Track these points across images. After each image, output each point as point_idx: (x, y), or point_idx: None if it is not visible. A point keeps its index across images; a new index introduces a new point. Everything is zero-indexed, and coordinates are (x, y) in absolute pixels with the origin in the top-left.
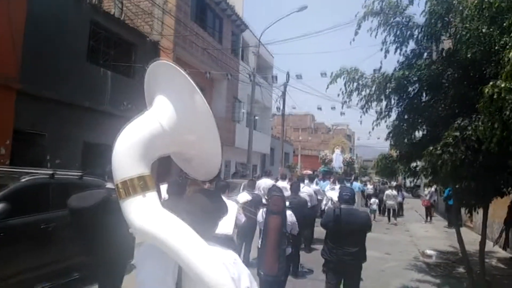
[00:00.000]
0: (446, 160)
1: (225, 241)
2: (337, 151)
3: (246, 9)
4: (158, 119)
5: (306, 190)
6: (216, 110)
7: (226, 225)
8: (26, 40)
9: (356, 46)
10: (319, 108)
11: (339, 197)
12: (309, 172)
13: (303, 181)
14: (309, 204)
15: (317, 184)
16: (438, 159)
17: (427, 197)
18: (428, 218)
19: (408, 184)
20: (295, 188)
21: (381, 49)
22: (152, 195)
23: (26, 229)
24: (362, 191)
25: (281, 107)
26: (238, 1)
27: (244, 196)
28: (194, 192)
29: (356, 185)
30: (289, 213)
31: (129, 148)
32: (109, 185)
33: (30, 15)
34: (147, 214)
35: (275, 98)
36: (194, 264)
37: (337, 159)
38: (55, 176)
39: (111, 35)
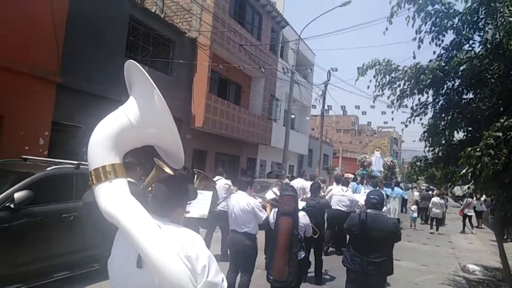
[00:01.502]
0: (487, 163)
1: (197, 222)
2: (377, 153)
3: (287, 4)
4: (126, 114)
5: (349, 194)
6: (253, 108)
7: (201, 210)
8: (67, 35)
9: (401, 42)
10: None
11: (366, 200)
12: (350, 175)
13: (347, 185)
14: (347, 209)
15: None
16: (477, 162)
17: (462, 207)
18: (465, 228)
19: (460, 193)
20: (314, 190)
21: (414, 39)
22: (119, 182)
23: (48, 217)
24: (404, 198)
25: (321, 107)
26: None
27: (272, 194)
28: (156, 179)
29: (398, 191)
30: (302, 214)
31: (101, 140)
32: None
33: (71, 10)
34: (112, 199)
35: (314, 97)
36: (146, 249)
37: (377, 162)
38: (81, 166)
39: (149, 31)
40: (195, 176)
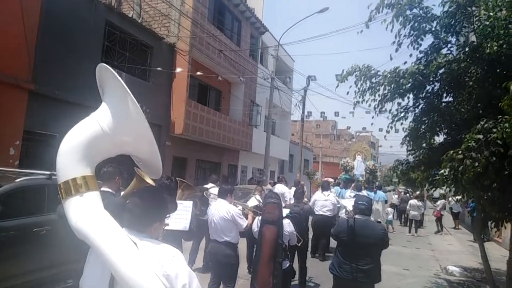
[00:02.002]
0: (468, 166)
1: (180, 235)
2: (358, 157)
3: (266, 11)
4: (98, 121)
5: (331, 198)
6: (233, 114)
7: (182, 222)
8: (39, 41)
9: (380, 47)
10: (336, 114)
11: (354, 206)
12: (330, 179)
13: (328, 189)
14: (330, 213)
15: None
16: (459, 164)
17: (438, 208)
18: (439, 228)
19: (437, 194)
20: (298, 195)
21: (393, 42)
22: (91, 195)
23: (18, 232)
24: (386, 201)
25: (301, 112)
26: (258, 3)
27: (254, 201)
28: (135, 190)
29: (381, 194)
30: (286, 222)
31: (71, 150)
32: (103, 188)
33: (43, 15)
34: (83, 214)
35: (294, 103)
36: (120, 270)
37: (359, 166)
38: (53, 177)
39: (126, 37)
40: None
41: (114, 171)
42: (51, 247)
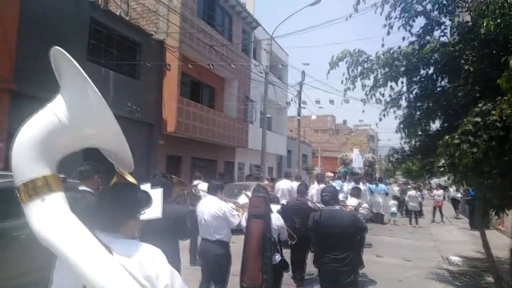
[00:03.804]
0: (465, 150)
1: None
2: (356, 150)
3: (258, 5)
4: (55, 112)
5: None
6: (228, 110)
7: (153, 210)
8: (20, 39)
9: (372, 37)
10: (331, 102)
11: (321, 199)
12: (330, 173)
13: (323, 182)
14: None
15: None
16: (455, 150)
17: (440, 198)
18: (434, 217)
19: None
20: (301, 190)
21: (384, 25)
22: (55, 198)
23: None
24: (387, 194)
25: (297, 107)
26: None
27: (245, 198)
28: (103, 189)
29: (382, 187)
30: (275, 216)
31: (26, 147)
32: (81, 187)
33: (24, 12)
34: (46, 221)
35: (290, 98)
36: (93, 280)
37: (357, 159)
38: None
39: (113, 34)
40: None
41: (91, 169)
42: (33, 251)
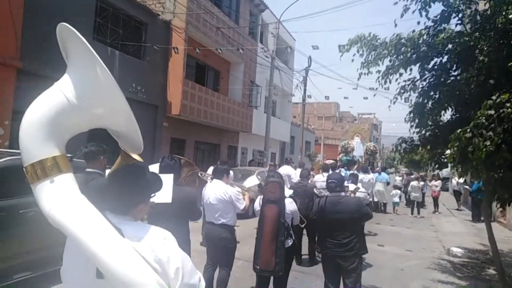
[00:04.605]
0: (478, 144)
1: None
2: (357, 139)
3: None
4: (63, 92)
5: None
6: (232, 94)
7: (164, 195)
8: (26, 17)
9: (385, 23)
10: (339, 88)
11: (326, 185)
12: (330, 161)
13: (328, 171)
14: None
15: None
16: (468, 143)
17: (438, 188)
18: (436, 208)
19: (445, 174)
20: (304, 174)
21: (395, 3)
22: (64, 178)
23: (2, 213)
24: (388, 183)
25: (302, 93)
26: None
27: (251, 181)
28: (115, 170)
29: (384, 176)
30: (289, 201)
31: (34, 127)
32: (88, 169)
33: None
34: (57, 201)
35: (295, 84)
36: (104, 261)
37: (358, 147)
38: None
39: (119, 13)
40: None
41: (97, 150)
42: (40, 229)
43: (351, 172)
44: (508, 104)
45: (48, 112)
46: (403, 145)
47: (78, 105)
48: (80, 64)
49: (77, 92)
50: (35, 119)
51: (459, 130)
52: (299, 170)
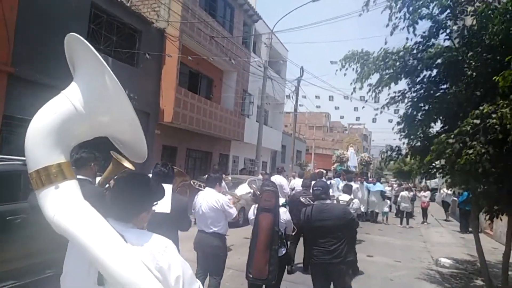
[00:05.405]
0: (459, 150)
1: (175, 225)
2: (351, 149)
3: None
4: (70, 100)
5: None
6: (225, 103)
7: (163, 205)
8: (19, 22)
9: (376, 36)
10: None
11: (312, 193)
12: (323, 170)
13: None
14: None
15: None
16: (447, 147)
17: (427, 199)
18: (425, 218)
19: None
20: (306, 183)
21: (387, 25)
22: (69, 185)
23: None
24: (384, 193)
25: (294, 102)
26: None
27: (242, 189)
28: (119, 176)
29: (379, 186)
30: (283, 210)
31: (41, 134)
32: (78, 176)
33: None
34: (61, 208)
35: (287, 93)
36: (108, 266)
37: (352, 158)
38: None
39: (113, 20)
40: None
41: (88, 156)
42: (27, 236)
43: (345, 182)
44: (494, 115)
45: (55, 119)
46: (389, 152)
47: (85, 113)
48: (88, 72)
49: (84, 100)
50: (42, 126)
51: (443, 135)
52: (297, 179)
